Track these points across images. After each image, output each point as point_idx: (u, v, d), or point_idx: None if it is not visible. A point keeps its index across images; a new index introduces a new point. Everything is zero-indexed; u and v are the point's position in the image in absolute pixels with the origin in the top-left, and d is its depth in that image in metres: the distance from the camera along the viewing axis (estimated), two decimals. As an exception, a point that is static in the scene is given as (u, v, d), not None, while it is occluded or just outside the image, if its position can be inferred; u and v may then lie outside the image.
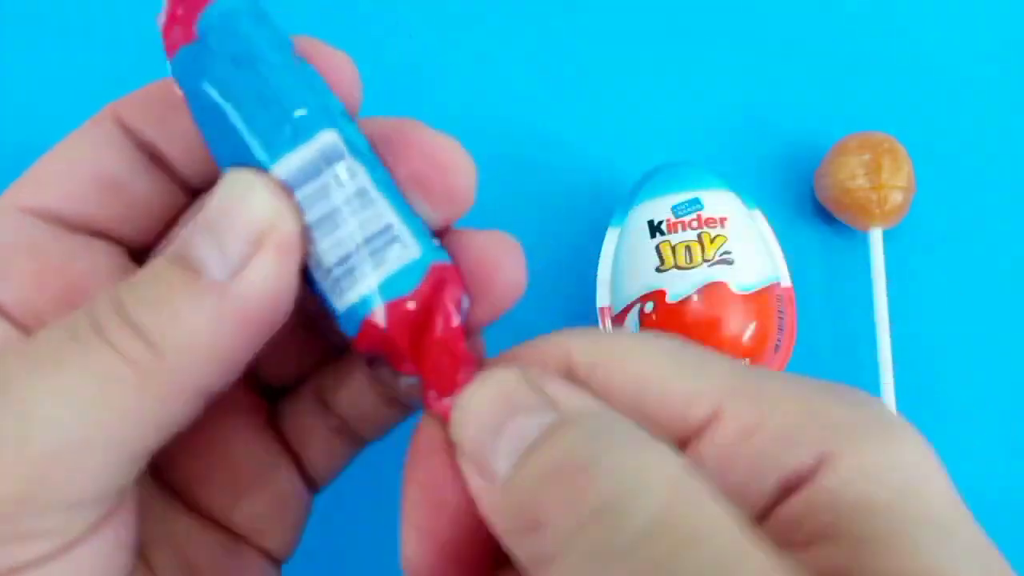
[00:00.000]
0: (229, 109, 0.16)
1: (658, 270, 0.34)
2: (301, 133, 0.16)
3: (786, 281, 0.35)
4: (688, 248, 0.34)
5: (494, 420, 0.15)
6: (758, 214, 0.35)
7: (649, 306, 0.33)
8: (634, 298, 0.34)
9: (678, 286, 0.33)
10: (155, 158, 0.19)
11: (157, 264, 0.16)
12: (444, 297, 0.17)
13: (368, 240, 0.16)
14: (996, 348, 0.38)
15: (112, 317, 0.15)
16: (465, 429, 0.16)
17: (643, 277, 0.34)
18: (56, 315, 0.18)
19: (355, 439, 0.22)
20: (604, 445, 0.14)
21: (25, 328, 0.18)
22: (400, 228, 0.16)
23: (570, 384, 0.16)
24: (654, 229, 0.34)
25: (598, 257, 0.35)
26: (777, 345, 0.34)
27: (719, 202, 0.34)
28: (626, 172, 0.39)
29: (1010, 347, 0.39)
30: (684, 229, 0.34)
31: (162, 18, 0.17)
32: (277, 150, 0.16)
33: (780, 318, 0.34)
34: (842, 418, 0.15)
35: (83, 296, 0.18)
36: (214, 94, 0.16)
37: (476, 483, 0.15)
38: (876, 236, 0.37)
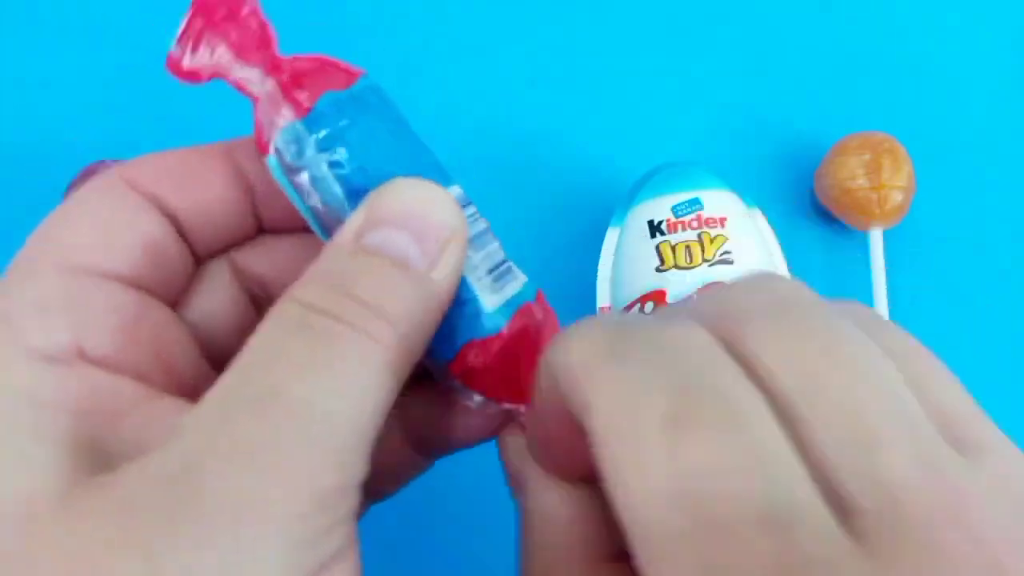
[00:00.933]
0: (399, 143, 0.19)
1: (658, 270, 0.34)
2: (448, 178, 0.19)
3: (786, 281, 0.35)
4: (688, 248, 0.33)
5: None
6: (758, 214, 0.35)
7: (649, 306, 0.33)
8: (634, 298, 0.34)
9: (678, 286, 0.33)
10: (175, 225, 0.19)
11: (357, 258, 0.17)
12: (550, 311, 0.20)
13: (505, 259, 0.20)
14: (996, 348, 0.38)
15: (347, 302, 0.16)
16: None
17: (643, 277, 0.34)
18: (158, 370, 0.18)
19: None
20: None
21: (141, 383, 0.17)
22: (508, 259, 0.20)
23: None
24: (654, 229, 0.34)
25: (598, 257, 0.35)
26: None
27: (719, 202, 0.34)
28: (626, 172, 0.39)
29: (1010, 347, 0.38)
30: (684, 229, 0.34)
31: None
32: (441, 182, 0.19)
33: (780, 318, 0.34)
34: None
35: (172, 349, 0.18)
36: (381, 130, 0.18)
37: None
38: (876, 236, 0.37)
